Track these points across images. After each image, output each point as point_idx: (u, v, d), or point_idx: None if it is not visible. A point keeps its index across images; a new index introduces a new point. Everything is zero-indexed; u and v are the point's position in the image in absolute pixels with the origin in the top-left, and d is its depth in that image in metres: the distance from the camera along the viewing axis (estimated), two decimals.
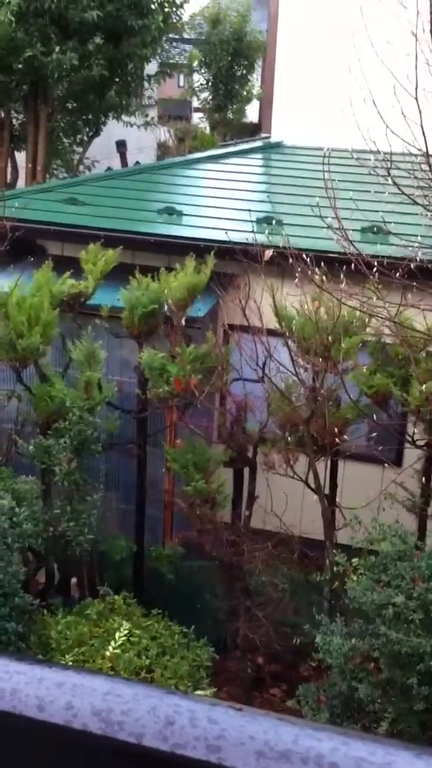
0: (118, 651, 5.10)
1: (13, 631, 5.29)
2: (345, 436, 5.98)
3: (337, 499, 6.40)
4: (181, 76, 26.01)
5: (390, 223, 6.04)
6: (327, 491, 6.30)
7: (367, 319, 6.00)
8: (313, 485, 6.02)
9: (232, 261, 6.72)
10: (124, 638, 5.12)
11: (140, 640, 5.50)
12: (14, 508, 5.70)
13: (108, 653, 5.04)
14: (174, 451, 6.40)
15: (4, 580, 5.31)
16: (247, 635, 6.19)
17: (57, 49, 12.84)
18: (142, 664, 5.32)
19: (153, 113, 18.82)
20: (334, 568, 5.28)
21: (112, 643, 5.09)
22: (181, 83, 26.97)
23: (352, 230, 5.93)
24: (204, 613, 6.70)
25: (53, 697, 0.74)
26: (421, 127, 5.40)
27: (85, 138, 16.10)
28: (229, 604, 6.53)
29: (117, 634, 5.12)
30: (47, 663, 0.79)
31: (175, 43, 18.08)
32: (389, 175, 5.45)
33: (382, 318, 5.63)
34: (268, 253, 6.13)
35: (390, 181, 5.47)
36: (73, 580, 7.05)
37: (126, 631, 5.14)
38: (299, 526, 6.44)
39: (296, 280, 5.73)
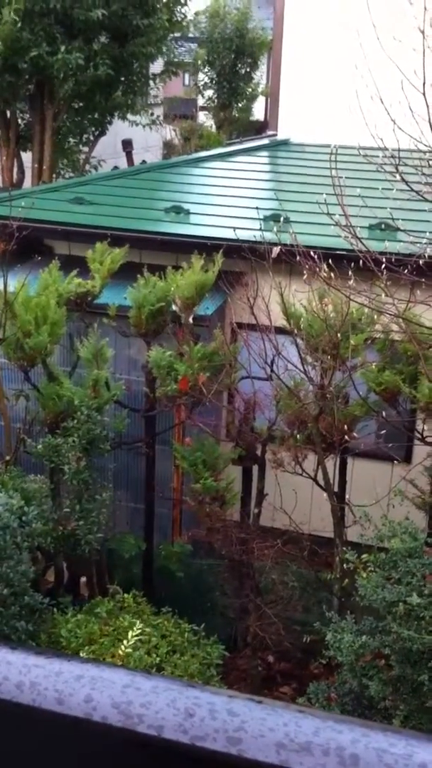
0: (129, 650, 5.10)
1: (24, 629, 5.31)
2: (354, 434, 5.97)
3: (347, 497, 6.39)
4: (186, 75, 26.00)
5: (398, 219, 6.02)
6: (336, 488, 6.29)
7: (375, 316, 5.98)
8: (322, 483, 6.01)
9: (239, 259, 6.70)
10: (136, 637, 5.12)
11: (150, 638, 5.50)
12: (23, 507, 5.70)
13: (120, 652, 5.04)
14: (183, 449, 6.40)
15: (13, 579, 5.32)
16: (257, 633, 6.19)
17: (62, 48, 12.85)
18: (152, 662, 5.32)
19: (159, 112, 18.80)
20: (344, 566, 5.27)
21: (125, 642, 5.08)
22: (186, 82, 26.97)
23: (360, 227, 5.91)
24: (214, 612, 6.70)
25: (72, 690, 0.74)
26: (429, 122, 5.37)
27: (91, 137, 16.12)
28: (238, 602, 6.53)
29: (129, 633, 5.11)
30: (66, 656, 0.79)
31: (179, 42, 18.05)
32: (397, 171, 5.43)
33: (390, 315, 5.61)
34: (276, 250, 6.11)
35: (398, 178, 5.44)
36: (83, 578, 7.05)
37: (138, 630, 5.14)
38: (309, 524, 6.44)
39: (304, 277, 5.72)
